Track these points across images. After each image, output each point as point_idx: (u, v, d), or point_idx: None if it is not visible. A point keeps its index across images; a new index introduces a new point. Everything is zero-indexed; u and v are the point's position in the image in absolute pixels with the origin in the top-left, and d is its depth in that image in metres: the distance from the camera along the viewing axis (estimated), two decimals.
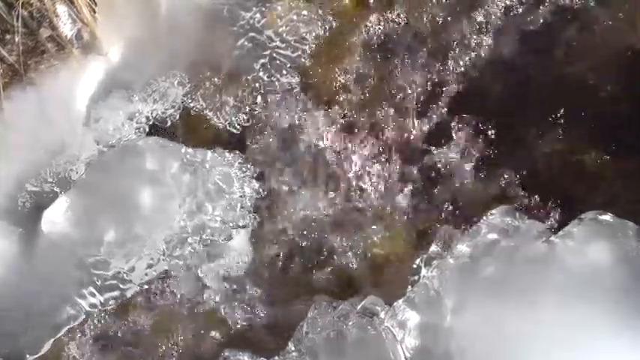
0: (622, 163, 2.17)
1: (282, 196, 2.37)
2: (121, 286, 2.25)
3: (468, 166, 2.30)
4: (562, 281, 1.86)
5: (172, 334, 2.29)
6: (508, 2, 2.35)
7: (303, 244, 2.33)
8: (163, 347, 2.28)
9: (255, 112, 2.43)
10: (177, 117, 2.44)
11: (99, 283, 2.24)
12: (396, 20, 2.42)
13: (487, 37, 2.37)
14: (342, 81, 2.41)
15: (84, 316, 2.25)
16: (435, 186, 2.31)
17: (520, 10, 2.35)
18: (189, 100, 2.43)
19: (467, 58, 2.37)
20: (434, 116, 2.36)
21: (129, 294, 2.27)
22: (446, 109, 2.36)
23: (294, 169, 2.39)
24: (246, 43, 2.42)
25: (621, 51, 2.26)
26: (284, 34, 2.42)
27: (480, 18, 2.37)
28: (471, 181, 2.29)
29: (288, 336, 2.16)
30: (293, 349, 2.09)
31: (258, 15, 2.42)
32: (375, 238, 2.30)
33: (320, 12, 2.42)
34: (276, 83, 2.42)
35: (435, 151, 2.34)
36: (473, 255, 2.03)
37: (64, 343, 2.26)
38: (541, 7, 2.35)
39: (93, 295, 2.24)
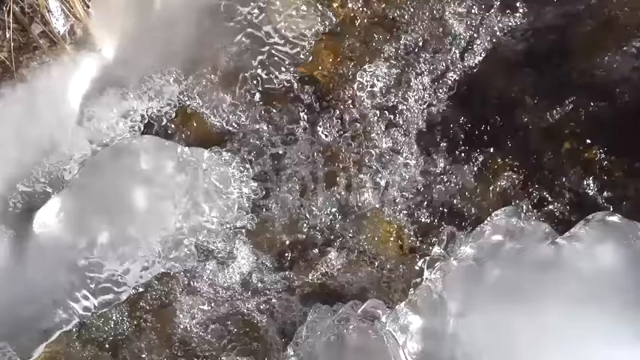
0: (632, 163, 2.14)
1: (280, 197, 2.33)
2: (116, 289, 2.23)
3: (472, 166, 2.27)
4: (569, 285, 1.82)
5: (170, 337, 2.26)
6: None
7: (303, 245, 2.30)
8: (161, 350, 2.24)
9: (254, 111, 2.39)
10: (173, 115, 2.42)
11: (92, 285, 2.21)
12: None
13: (492, 33, 2.33)
14: (342, 79, 2.37)
15: (77, 320, 2.22)
16: (437, 186, 2.28)
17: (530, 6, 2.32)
18: (186, 98, 2.41)
19: (470, 54, 2.34)
20: (436, 115, 2.34)
21: (123, 297, 2.24)
22: (449, 108, 2.33)
23: (293, 169, 2.35)
24: (243, 39, 2.39)
25: (630, 48, 2.22)
26: (283, 30, 2.39)
27: (488, 11, 2.34)
28: (475, 181, 2.26)
29: (287, 340, 2.14)
30: (292, 353, 2.07)
31: (256, 10, 2.40)
32: (377, 240, 2.27)
33: (320, 8, 2.39)
34: (275, 80, 2.39)
35: (437, 150, 2.31)
36: (477, 257, 1.99)
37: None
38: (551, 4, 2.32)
39: (86, 298, 2.21)
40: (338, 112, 2.38)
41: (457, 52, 2.34)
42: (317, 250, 2.29)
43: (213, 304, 2.27)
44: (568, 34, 2.29)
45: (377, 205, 2.30)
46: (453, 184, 2.27)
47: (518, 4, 2.33)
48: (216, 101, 2.40)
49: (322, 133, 2.37)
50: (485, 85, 2.32)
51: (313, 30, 2.40)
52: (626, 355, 1.68)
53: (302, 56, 2.40)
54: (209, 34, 2.39)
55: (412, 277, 2.10)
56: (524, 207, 2.17)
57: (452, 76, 2.34)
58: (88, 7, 2.41)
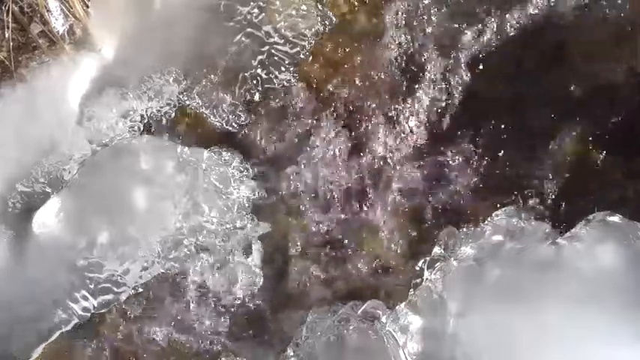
0: (632, 164, 2.14)
1: (280, 197, 2.33)
2: (115, 289, 2.22)
3: (473, 166, 2.26)
4: (569, 285, 1.83)
5: (169, 337, 2.25)
6: None
7: (302, 244, 2.29)
8: (159, 351, 2.24)
9: (254, 110, 2.38)
10: (173, 115, 2.40)
11: (92, 286, 2.20)
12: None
13: (494, 35, 2.33)
14: (342, 78, 2.37)
15: (76, 321, 2.21)
16: (438, 185, 2.28)
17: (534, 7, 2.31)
18: (185, 98, 2.40)
19: (471, 55, 2.33)
20: (436, 116, 2.33)
21: (123, 297, 2.24)
22: (449, 109, 2.32)
23: (293, 169, 2.35)
24: (243, 39, 2.38)
25: (634, 49, 2.22)
26: (282, 30, 2.38)
27: (490, 13, 2.33)
28: (476, 181, 2.25)
29: (287, 340, 2.13)
30: (292, 354, 2.06)
31: (256, 10, 2.38)
32: (377, 240, 2.27)
33: (320, 7, 2.38)
34: (275, 80, 2.38)
35: (437, 150, 2.30)
36: (477, 257, 1.99)
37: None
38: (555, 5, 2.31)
39: (85, 298, 2.21)
40: (338, 113, 2.37)
41: (457, 54, 2.33)
42: (317, 251, 2.29)
43: (212, 303, 2.27)
44: (570, 37, 2.28)
45: (377, 205, 2.30)
46: (453, 185, 2.27)
47: (522, 7, 2.33)
48: (216, 101, 2.39)
49: (321, 133, 2.37)
50: (485, 87, 2.31)
51: (313, 30, 2.39)
52: (626, 355, 1.68)
53: (302, 56, 2.39)
54: (209, 34, 2.38)
55: (412, 278, 2.09)
56: (525, 207, 2.16)
57: (452, 78, 2.33)
58: (87, 6, 2.40)
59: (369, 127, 2.34)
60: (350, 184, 2.32)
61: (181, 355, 2.25)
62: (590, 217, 1.94)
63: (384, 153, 2.33)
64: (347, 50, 2.38)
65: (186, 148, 2.30)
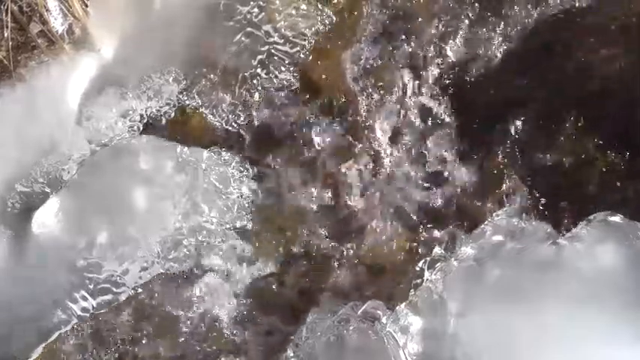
0: (633, 164, 2.14)
1: (280, 197, 2.33)
2: (114, 289, 2.22)
3: (473, 167, 2.26)
4: (569, 285, 1.83)
5: (169, 338, 2.25)
6: None
7: (302, 245, 2.29)
8: (159, 351, 2.23)
9: (253, 110, 2.38)
10: (173, 115, 2.40)
11: (91, 286, 2.21)
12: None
13: (495, 34, 2.32)
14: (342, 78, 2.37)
15: (76, 321, 2.21)
16: (439, 186, 2.27)
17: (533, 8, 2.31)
18: (185, 98, 2.40)
19: (472, 55, 2.33)
20: (436, 116, 2.32)
21: (122, 298, 2.24)
22: (449, 109, 2.32)
23: (293, 169, 2.34)
24: (243, 38, 2.38)
25: (635, 50, 2.22)
26: (282, 30, 2.38)
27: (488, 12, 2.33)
28: (477, 181, 2.25)
29: (287, 341, 2.13)
30: (292, 354, 2.06)
31: (255, 9, 2.38)
32: (377, 240, 2.27)
33: (319, 6, 2.38)
34: (275, 80, 2.37)
35: (437, 151, 2.30)
36: (478, 257, 1.99)
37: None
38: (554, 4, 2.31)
39: (85, 299, 2.21)
40: (336, 112, 2.37)
41: (458, 53, 2.33)
42: (317, 251, 2.29)
43: (211, 304, 2.27)
44: (570, 36, 2.28)
45: (378, 205, 2.29)
46: (453, 185, 2.26)
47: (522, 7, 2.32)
48: (216, 101, 2.39)
49: (322, 132, 2.37)
50: (485, 86, 2.31)
51: (313, 29, 2.38)
52: (626, 355, 1.68)
53: (302, 55, 2.38)
54: (209, 33, 2.38)
55: (413, 278, 2.09)
56: (525, 207, 2.16)
57: (452, 78, 2.33)
58: (86, 6, 2.40)
59: (368, 127, 2.34)
60: (350, 183, 2.32)
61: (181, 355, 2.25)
62: (591, 217, 1.94)
63: (383, 154, 2.33)
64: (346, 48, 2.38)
65: (186, 148, 2.30)
